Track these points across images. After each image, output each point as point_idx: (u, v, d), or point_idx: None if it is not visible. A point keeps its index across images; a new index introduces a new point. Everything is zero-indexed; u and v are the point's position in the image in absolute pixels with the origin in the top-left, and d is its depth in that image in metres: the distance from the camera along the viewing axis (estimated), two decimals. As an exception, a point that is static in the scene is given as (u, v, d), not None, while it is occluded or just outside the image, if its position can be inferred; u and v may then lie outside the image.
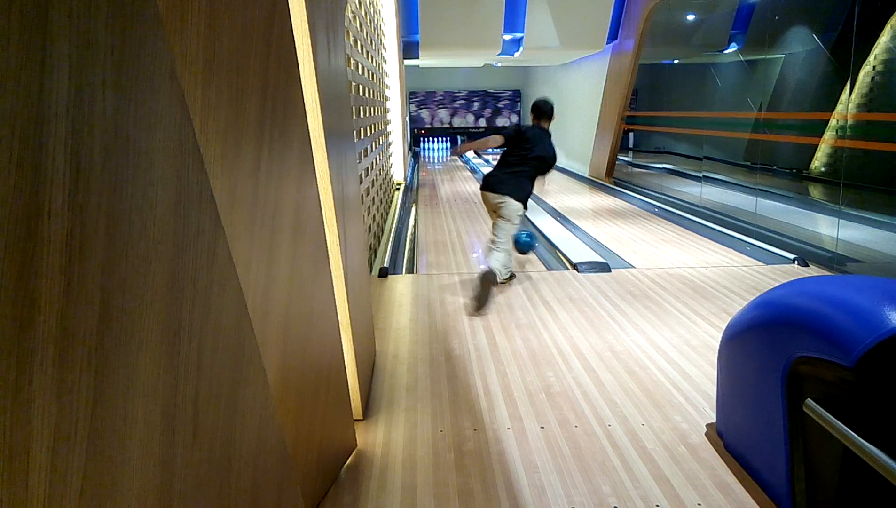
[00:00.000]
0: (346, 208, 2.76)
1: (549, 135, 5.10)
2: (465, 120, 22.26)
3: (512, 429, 2.78)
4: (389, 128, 9.87)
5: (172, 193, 0.98)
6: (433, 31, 11.29)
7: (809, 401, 1.92)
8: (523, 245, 5.28)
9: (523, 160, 4.94)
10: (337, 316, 2.43)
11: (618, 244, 6.56)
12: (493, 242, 4.92)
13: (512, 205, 4.84)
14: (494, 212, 4.98)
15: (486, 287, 4.56)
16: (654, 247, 6.43)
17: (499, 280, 4.78)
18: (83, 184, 0.76)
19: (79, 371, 0.75)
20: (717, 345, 2.85)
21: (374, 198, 6.29)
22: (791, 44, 6.81)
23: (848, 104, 5.62)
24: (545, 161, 5.02)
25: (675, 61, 10.21)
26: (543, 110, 5.11)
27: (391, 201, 9.42)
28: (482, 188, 5.03)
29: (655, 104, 10.96)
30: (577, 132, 14.04)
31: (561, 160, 7.52)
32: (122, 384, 0.85)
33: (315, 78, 2.20)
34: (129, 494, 0.86)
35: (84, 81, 0.76)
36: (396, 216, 8.29)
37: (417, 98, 21.95)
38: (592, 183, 12.26)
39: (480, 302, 4.48)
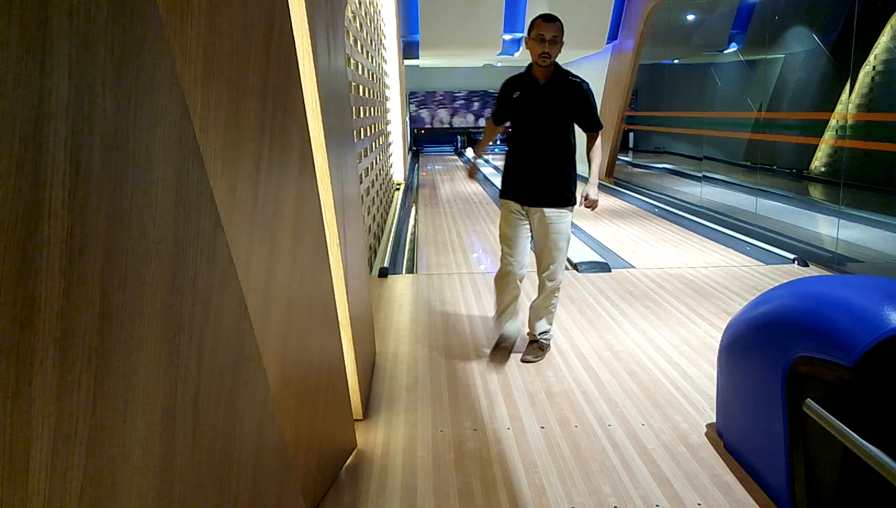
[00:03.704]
0: (346, 208, 2.76)
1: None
2: (465, 120, 22.26)
3: (512, 429, 2.78)
4: (389, 128, 9.87)
5: (172, 193, 0.98)
6: (433, 31, 11.30)
7: (809, 401, 1.92)
8: None
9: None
10: (337, 316, 2.43)
11: (618, 244, 6.55)
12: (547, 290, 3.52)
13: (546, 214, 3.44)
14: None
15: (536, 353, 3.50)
16: (654, 247, 6.42)
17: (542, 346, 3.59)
18: (83, 184, 0.76)
19: (79, 371, 0.75)
20: (717, 345, 2.85)
21: (374, 198, 6.28)
22: (791, 44, 6.80)
23: (848, 104, 5.62)
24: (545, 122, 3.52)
25: (675, 61, 10.20)
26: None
27: (391, 201, 9.42)
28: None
29: (655, 104, 10.95)
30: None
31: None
32: (122, 384, 0.84)
33: (315, 78, 2.20)
34: (129, 494, 0.86)
35: (84, 81, 0.76)
36: (396, 216, 8.28)
37: (417, 98, 21.94)
38: (592, 183, 12.25)
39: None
